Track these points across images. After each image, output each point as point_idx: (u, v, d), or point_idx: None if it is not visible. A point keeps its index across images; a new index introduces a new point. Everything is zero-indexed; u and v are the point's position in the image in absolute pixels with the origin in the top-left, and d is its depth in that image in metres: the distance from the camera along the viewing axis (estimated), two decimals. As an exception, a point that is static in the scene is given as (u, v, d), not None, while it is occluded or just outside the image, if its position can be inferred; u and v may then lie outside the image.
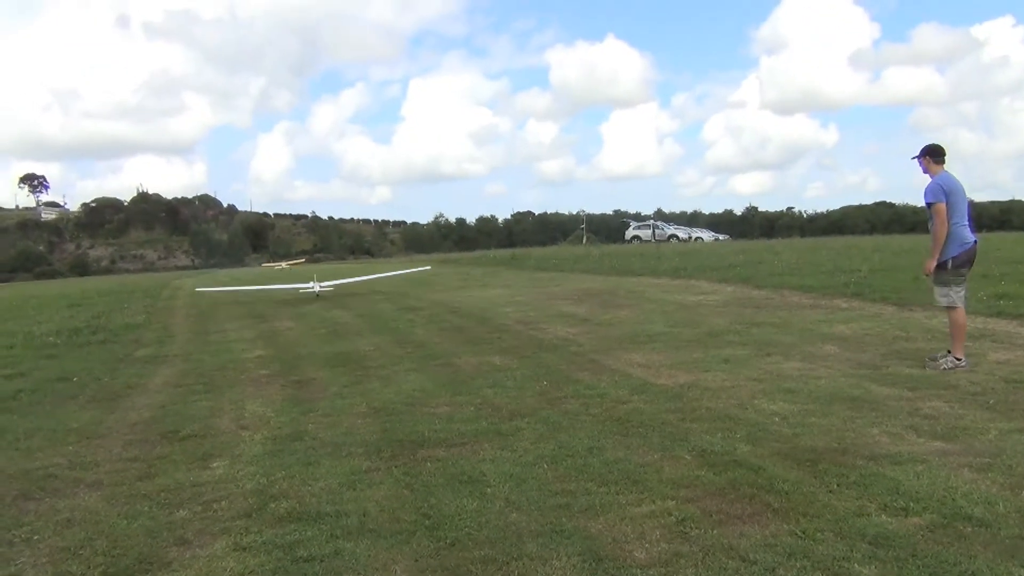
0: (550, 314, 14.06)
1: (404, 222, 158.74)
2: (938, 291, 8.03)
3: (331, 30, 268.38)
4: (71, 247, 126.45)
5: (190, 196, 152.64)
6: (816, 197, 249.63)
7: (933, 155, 8.06)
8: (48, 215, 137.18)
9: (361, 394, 8.20)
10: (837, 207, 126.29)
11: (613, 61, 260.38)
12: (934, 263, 7.91)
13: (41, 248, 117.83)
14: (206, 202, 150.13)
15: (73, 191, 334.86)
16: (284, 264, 48.22)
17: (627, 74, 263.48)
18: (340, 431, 6.70)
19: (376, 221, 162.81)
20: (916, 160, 8.16)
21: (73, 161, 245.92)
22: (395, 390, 8.27)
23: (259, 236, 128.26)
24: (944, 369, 7.68)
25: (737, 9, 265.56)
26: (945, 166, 8.07)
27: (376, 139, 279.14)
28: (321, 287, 20.84)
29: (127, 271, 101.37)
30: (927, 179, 8.06)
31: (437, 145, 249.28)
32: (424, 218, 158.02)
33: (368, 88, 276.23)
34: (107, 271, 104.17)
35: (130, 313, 19.37)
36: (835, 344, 9.49)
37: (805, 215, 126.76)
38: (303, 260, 55.55)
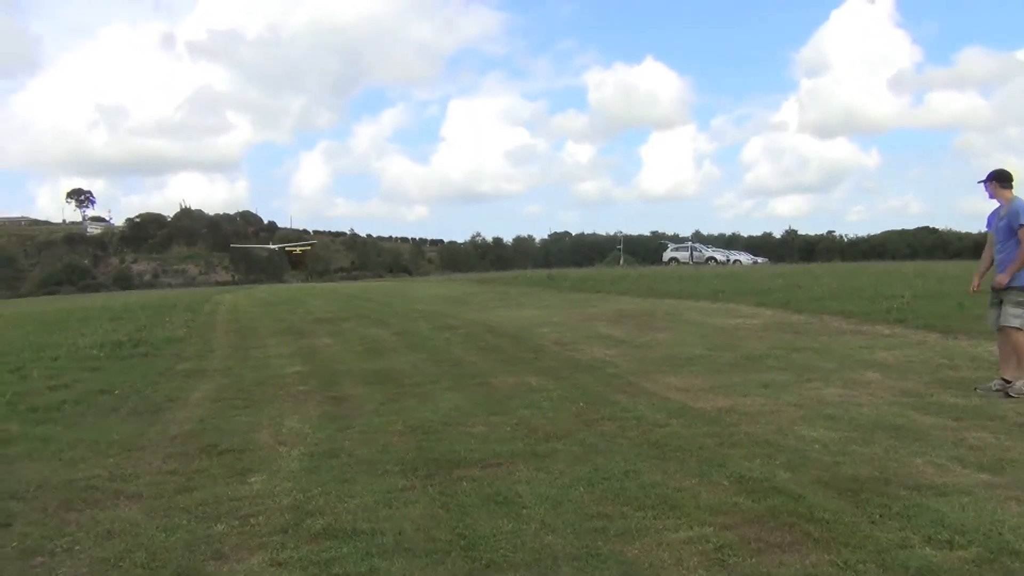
0: (587, 335, 14.02)
1: (441, 241, 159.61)
2: (1012, 312, 7.87)
3: (372, 50, 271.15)
4: (115, 261, 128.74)
5: (231, 212, 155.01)
6: (857, 221, 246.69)
7: (1000, 180, 8.04)
8: (94, 229, 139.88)
9: (397, 412, 8.22)
10: (878, 231, 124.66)
11: (651, 83, 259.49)
12: (1007, 279, 7.81)
13: (86, 262, 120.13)
14: (247, 218, 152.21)
15: (118, 206, 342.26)
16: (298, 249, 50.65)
17: (665, 96, 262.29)
18: (376, 448, 6.72)
19: (414, 239, 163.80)
20: (983, 184, 8.13)
21: (119, 177, 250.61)
22: (432, 408, 8.29)
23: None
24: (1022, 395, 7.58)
25: (777, 31, 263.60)
26: (1014, 191, 8.04)
27: (415, 158, 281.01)
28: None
29: (169, 285, 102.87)
30: (992, 204, 8.10)
31: (475, 165, 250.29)
32: (461, 237, 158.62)
33: (408, 108, 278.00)
34: (149, 285, 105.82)
35: (171, 327, 19.63)
36: (877, 371, 9.35)
37: (846, 239, 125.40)
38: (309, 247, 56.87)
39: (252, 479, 6.03)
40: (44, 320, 24.68)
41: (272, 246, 47.21)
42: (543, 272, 44.10)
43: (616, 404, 8.07)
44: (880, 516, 4.56)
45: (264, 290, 48.44)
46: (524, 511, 4.93)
